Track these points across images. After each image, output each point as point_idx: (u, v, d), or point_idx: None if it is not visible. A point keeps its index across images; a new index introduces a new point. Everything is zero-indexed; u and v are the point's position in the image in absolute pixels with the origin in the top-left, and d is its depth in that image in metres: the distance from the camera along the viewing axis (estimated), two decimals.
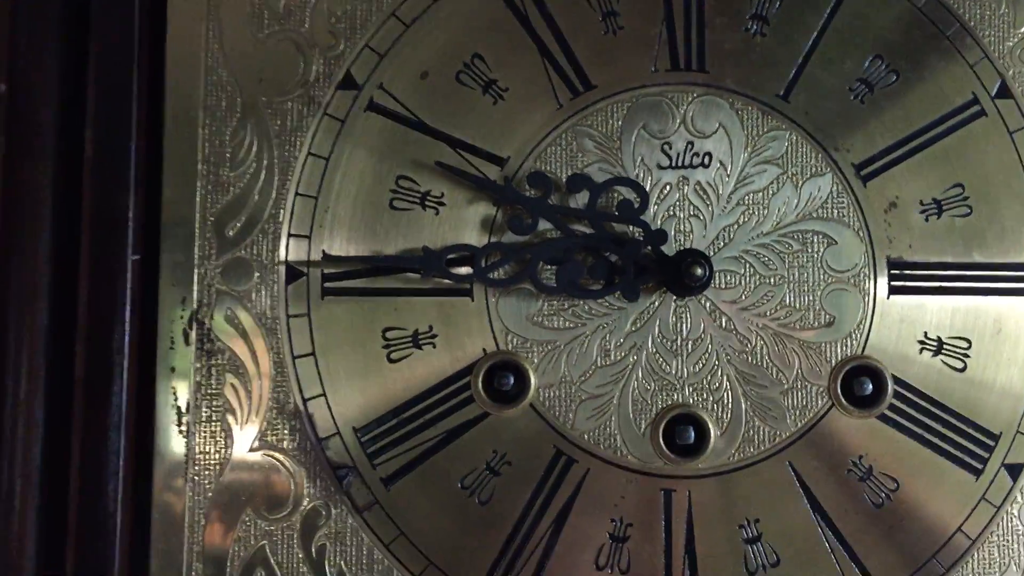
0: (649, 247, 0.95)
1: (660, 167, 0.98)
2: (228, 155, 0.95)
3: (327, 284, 0.95)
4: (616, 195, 0.96)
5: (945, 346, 0.97)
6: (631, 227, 0.96)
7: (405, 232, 0.96)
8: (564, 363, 0.96)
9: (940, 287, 0.98)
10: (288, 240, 0.95)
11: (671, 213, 0.97)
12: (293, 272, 0.95)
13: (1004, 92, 1.00)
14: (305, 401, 0.94)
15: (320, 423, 0.94)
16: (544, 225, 0.95)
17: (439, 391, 0.95)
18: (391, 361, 0.95)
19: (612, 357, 0.96)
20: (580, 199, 0.96)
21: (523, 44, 0.97)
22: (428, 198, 0.96)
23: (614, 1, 0.98)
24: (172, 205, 0.95)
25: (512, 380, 0.94)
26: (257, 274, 0.95)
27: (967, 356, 0.97)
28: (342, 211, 0.96)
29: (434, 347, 0.95)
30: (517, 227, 0.95)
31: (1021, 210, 0.98)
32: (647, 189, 0.96)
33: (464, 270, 0.95)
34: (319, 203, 0.96)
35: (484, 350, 0.95)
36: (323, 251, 0.95)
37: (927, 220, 0.98)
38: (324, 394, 0.94)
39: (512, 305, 0.96)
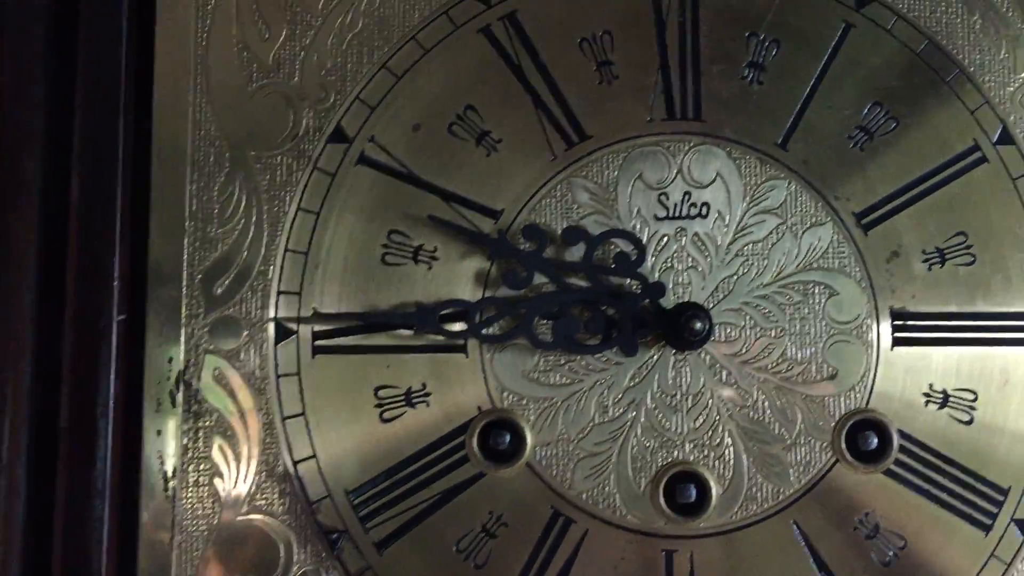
0: (647, 300, 0.93)
1: (657, 218, 0.96)
2: (216, 211, 0.93)
3: (318, 342, 0.93)
4: (612, 247, 0.94)
5: (951, 398, 0.95)
6: (628, 280, 0.94)
7: (397, 287, 0.94)
8: (561, 420, 0.93)
9: (945, 338, 0.95)
10: (278, 297, 0.93)
11: (669, 265, 0.95)
12: (283, 330, 0.93)
13: (1006, 138, 0.98)
14: (295, 463, 0.92)
15: (311, 486, 0.91)
16: (539, 279, 0.93)
17: (433, 451, 0.92)
18: (384, 420, 0.92)
19: (610, 413, 0.94)
20: (576, 252, 0.94)
21: (516, 95, 0.96)
22: (421, 252, 0.94)
23: (608, 50, 0.97)
24: (159, 263, 0.92)
25: (508, 439, 0.92)
26: (246, 332, 0.93)
27: (974, 408, 0.95)
28: (333, 267, 0.94)
29: (427, 405, 0.93)
30: (512, 281, 0.93)
31: None
32: (644, 241, 0.95)
33: (458, 326, 0.93)
34: (309, 259, 0.94)
35: (479, 408, 0.93)
36: (314, 308, 0.93)
37: (930, 269, 0.96)
38: (315, 456, 0.92)
39: (507, 361, 0.93)
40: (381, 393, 0.92)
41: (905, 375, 0.95)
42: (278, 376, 0.92)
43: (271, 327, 0.93)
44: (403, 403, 0.92)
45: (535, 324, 0.93)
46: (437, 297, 0.93)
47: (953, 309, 0.96)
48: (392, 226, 0.94)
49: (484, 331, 0.93)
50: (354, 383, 0.92)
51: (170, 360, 0.92)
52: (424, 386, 0.93)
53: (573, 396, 0.94)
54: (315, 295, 0.93)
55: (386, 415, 0.92)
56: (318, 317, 0.93)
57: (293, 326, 0.93)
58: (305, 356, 0.93)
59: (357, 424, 0.92)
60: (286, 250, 0.94)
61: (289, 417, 0.92)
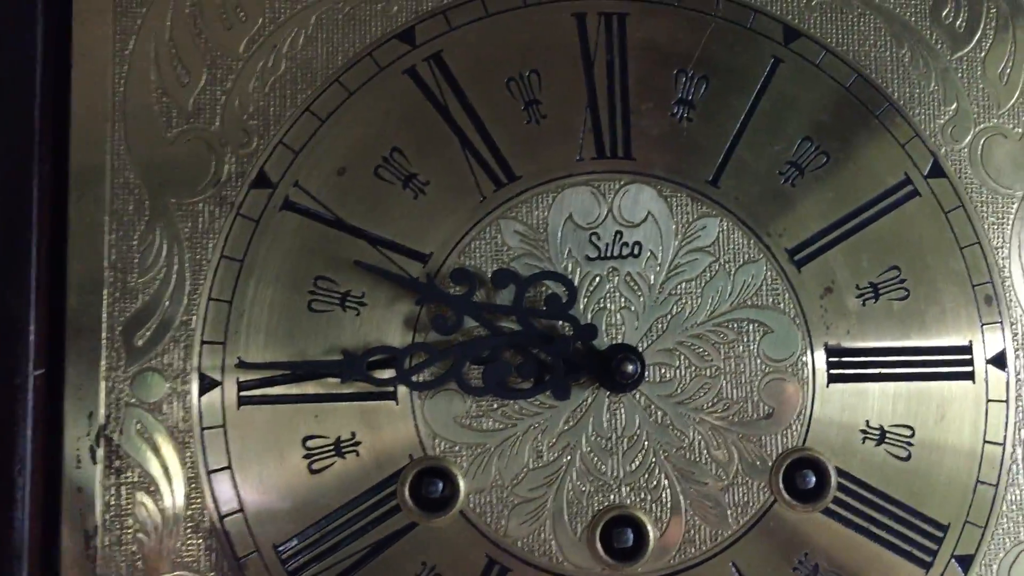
0: (579, 343, 0.92)
1: (589, 259, 0.94)
2: (136, 260, 0.91)
3: (243, 393, 0.90)
4: (544, 289, 0.93)
5: (888, 434, 0.94)
6: (560, 322, 0.92)
7: (325, 334, 0.92)
8: (495, 466, 0.92)
9: (880, 373, 0.95)
10: (201, 348, 0.91)
11: (601, 306, 0.94)
12: (207, 381, 0.90)
13: (937, 171, 0.98)
14: (221, 518, 0.89)
15: (238, 541, 0.89)
16: (470, 323, 0.92)
17: (364, 501, 0.90)
18: (312, 471, 0.90)
19: (545, 458, 0.92)
20: (506, 295, 0.92)
21: (443, 136, 0.94)
22: (348, 299, 0.92)
23: (536, 89, 0.95)
24: (77, 315, 0.90)
25: (440, 486, 0.90)
26: (168, 385, 0.90)
27: (911, 444, 0.94)
28: (258, 315, 0.91)
29: (357, 455, 0.90)
30: (441, 326, 0.91)
31: (959, 291, 0.96)
32: (575, 282, 0.93)
33: (387, 373, 0.91)
34: (233, 308, 0.91)
35: (410, 456, 0.91)
36: (239, 358, 0.91)
37: (864, 304, 0.96)
38: (242, 510, 0.89)
39: (439, 407, 0.92)
40: (309, 443, 0.90)
41: (841, 412, 0.94)
42: (203, 428, 0.90)
43: (195, 378, 0.90)
44: (332, 453, 0.90)
45: (466, 369, 0.91)
46: (366, 343, 0.92)
47: (888, 344, 0.95)
48: (318, 272, 0.92)
49: (414, 377, 0.91)
50: (282, 434, 0.90)
51: (90, 415, 0.89)
52: (354, 435, 0.91)
53: (507, 441, 0.92)
54: (240, 344, 0.91)
55: (315, 466, 0.90)
56: (243, 367, 0.90)
57: (217, 377, 0.90)
58: (230, 407, 0.90)
59: (285, 476, 0.90)
60: (209, 299, 0.91)
61: (215, 471, 0.90)
